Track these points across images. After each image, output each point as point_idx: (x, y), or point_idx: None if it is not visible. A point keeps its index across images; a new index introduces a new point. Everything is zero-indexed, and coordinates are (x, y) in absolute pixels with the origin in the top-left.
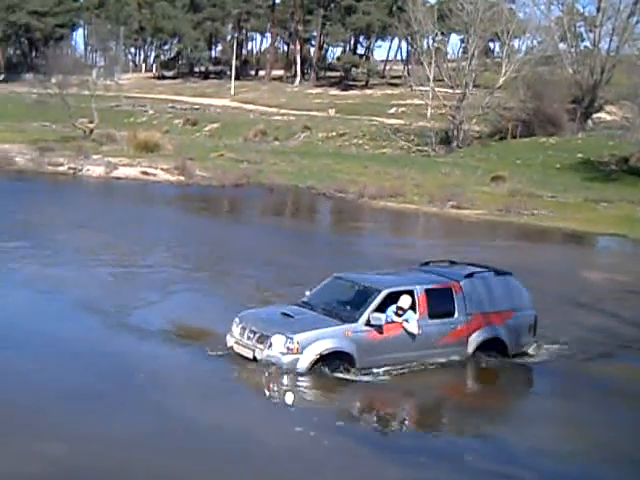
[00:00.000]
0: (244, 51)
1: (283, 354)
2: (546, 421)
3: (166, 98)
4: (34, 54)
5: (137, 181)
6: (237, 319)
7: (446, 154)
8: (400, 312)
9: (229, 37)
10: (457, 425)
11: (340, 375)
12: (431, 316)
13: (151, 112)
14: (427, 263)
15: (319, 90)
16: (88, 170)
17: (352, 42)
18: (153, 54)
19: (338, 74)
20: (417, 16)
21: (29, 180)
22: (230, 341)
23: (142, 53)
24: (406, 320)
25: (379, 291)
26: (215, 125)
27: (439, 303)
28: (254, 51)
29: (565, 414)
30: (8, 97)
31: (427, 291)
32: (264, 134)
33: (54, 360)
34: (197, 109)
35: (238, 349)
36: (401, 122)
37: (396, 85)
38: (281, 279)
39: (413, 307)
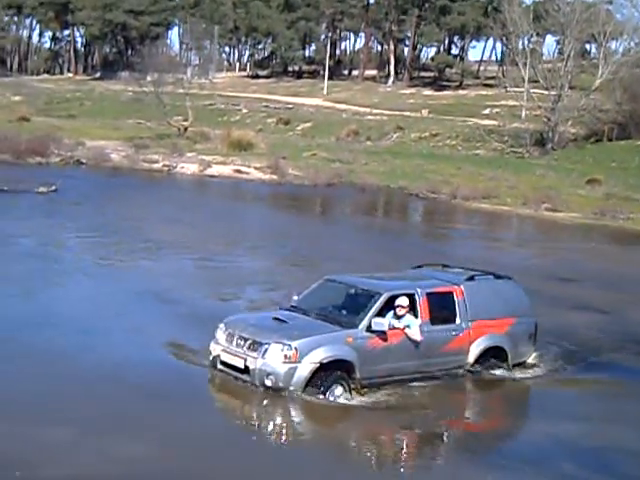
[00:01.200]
0: (337, 51)
1: (280, 363)
2: None
3: (259, 97)
4: (130, 52)
5: (230, 179)
6: (222, 325)
7: (540, 156)
8: (399, 311)
9: (323, 37)
10: None
11: (341, 400)
12: (433, 322)
13: (244, 111)
14: (420, 266)
15: (412, 90)
16: (182, 167)
17: (446, 42)
18: (247, 53)
19: (432, 74)
20: (512, 17)
21: (124, 176)
22: (216, 349)
23: (236, 52)
24: (407, 326)
25: (380, 294)
26: (308, 124)
27: (441, 308)
28: (347, 51)
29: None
30: (104, 95)
31: (429, 295)
32: (356, 134)
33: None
34: (290, 108)
35: (226, 358)
36: (495, 123)
37: (490, 86)
38: None
39: (414, 311)
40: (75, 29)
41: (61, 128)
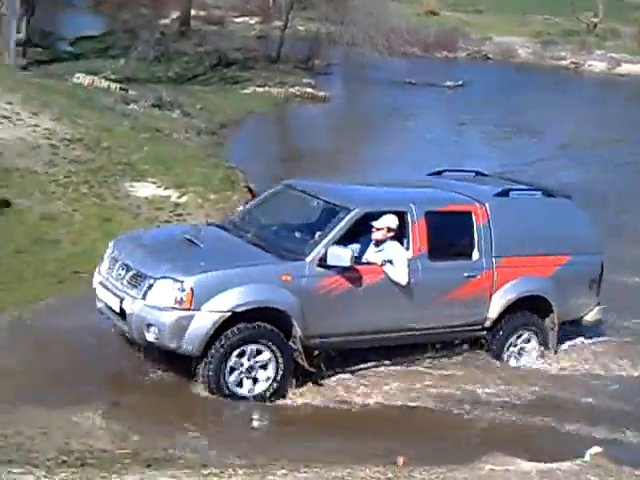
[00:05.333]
0: None
1: (167, 308)
2: None
3: None
4: None
5: None
6: (111, 244)
7: None
8: (378, 236)
9: None
10: None
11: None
12: (434, 256)
13: None
14: (440, 172)
15: None
16: (589, 65)
17: None
18: None
19: None
20: None
21: (530, 73)
22: (96, 280)
23: None
24: (389, 261)
25: (348, 210)
26: None
27: (449, 236)
28: None
29: None
30: None
31: (430, 215)
32: None
33: None
34: None
35: (102, 294)
36: None
37: None
38: None
39: (405, 239)
40: None
41: (468, 23)
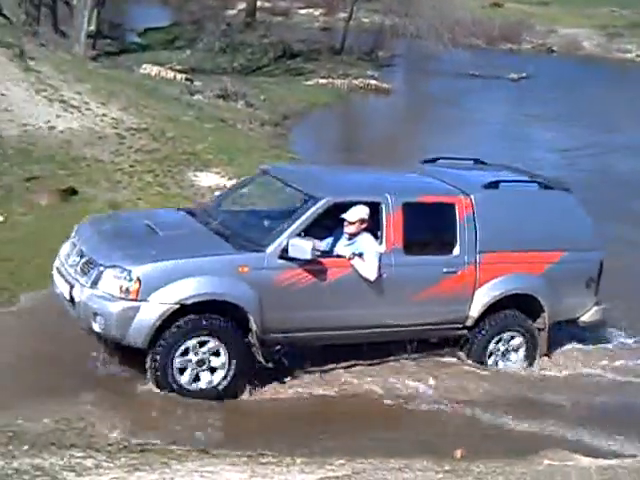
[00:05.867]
0: None
1: (112, 299)
2: None
3: None
4: None
5: None
6: (76, 227)
7: None
8: (349, 229)
9: None
10: None
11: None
12: (410, 250)
13: None
14: (435, 160)
15: None
16: None
17: None
18: None
19: None
20: None
21: (595, 66)
22: (55, 264)
23: None
24: (359, 254)
25: (315, 199)
26: None
27: (428, 229)
28: None
29: None
30: None
31: (406, 206)
32: None
33: None
34: None
35: (57, 280)
36: None
37: None
38: None
39: (379, 232)
40: None
41: (533, 15)
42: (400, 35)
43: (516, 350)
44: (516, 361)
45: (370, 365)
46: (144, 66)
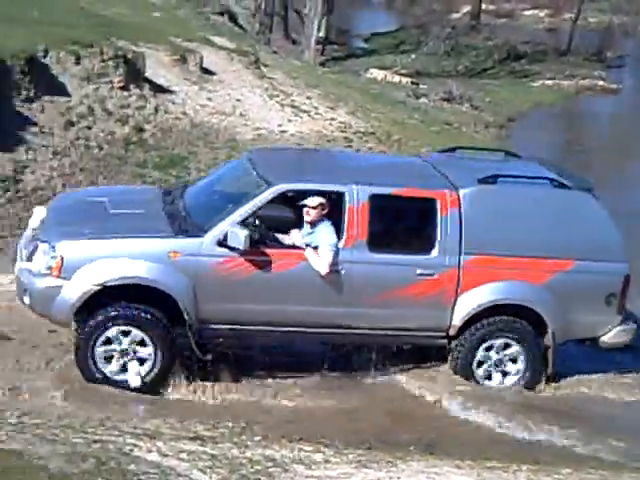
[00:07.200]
0: None
1: (38, 274)
2: None
3: None
4: None
5: None
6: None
7: None
8: (307, 217)
9: None
10: None
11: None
12: (375, 246)
13: None
14: (454, 149)
15: None
16: None
17: None
18: None
19: None
20: None
21: None
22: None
23: None
24: (315, 247)
25: (266, 185)
26: None
27: (400, 224)
28: None
29: None
30: None
31: (375, 198)
32: None
33: None
34: None
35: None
36: None
37: None
38: None
39: (339, 224)
40: None
41: None
42: (629, 34)
43: (514, 360)
44: (516, 373)
45: None
46: (370, 71)
